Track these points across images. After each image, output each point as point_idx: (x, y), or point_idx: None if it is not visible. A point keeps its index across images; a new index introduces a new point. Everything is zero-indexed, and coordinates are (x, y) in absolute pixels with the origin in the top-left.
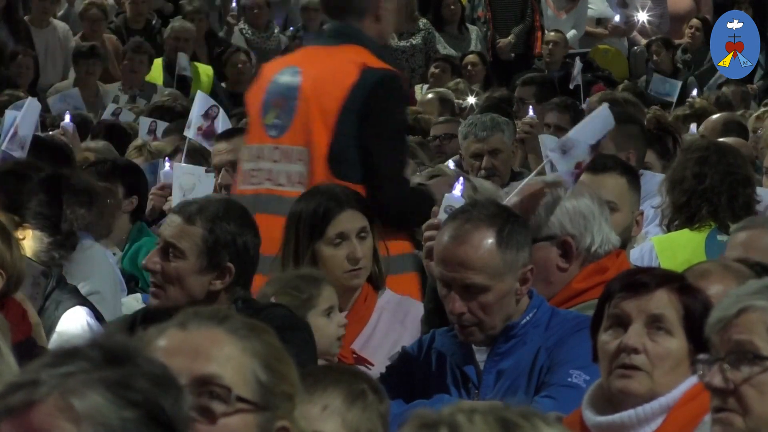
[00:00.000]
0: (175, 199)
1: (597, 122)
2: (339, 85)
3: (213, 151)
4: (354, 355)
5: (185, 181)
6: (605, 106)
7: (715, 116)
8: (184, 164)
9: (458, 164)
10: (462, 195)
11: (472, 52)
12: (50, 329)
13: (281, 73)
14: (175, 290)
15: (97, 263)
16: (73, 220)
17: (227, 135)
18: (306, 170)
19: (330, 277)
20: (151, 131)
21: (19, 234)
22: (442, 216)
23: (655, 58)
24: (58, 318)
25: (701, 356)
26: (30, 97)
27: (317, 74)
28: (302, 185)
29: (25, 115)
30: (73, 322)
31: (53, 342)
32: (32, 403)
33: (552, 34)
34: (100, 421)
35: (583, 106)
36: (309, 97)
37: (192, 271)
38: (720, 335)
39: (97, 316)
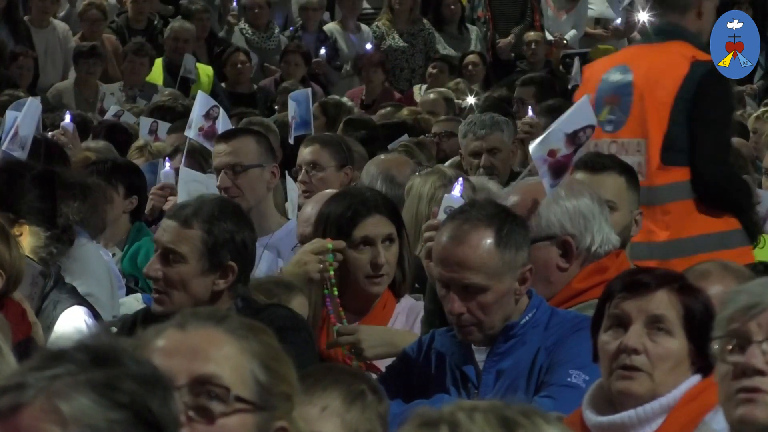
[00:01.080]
0: None
1: (575, 113)
2: (672, 78)
3: (213, 153)
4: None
5: (193, 188)
6: (586, 98)
7: None
8: (192, 170)
9: (458, 166)
10: (461, 195)
11: (472, 52)
12: (48, 329)
13: (610, 72)
14: (179, 295)
15: (90, 263)
16: (69, 213)
17: (227, 136)
18: (644, 160)
19: (352, 280)
20: (152, 131)
21: (16, 231)
22: (442, 216)
23: None
24: (57, 317)
25: (720, 340)
26: (31, 97)
27: (648, 70)
28: (641, 174)
29: (25, 115)
30: (72, 322)
31: (51, 342)
32: (19, 406)
33: (532, 33)
34: (87, 423)
35: None
36: (643, 91)
37: (195, 274)
38: (756, 320)
39: (96, 315)
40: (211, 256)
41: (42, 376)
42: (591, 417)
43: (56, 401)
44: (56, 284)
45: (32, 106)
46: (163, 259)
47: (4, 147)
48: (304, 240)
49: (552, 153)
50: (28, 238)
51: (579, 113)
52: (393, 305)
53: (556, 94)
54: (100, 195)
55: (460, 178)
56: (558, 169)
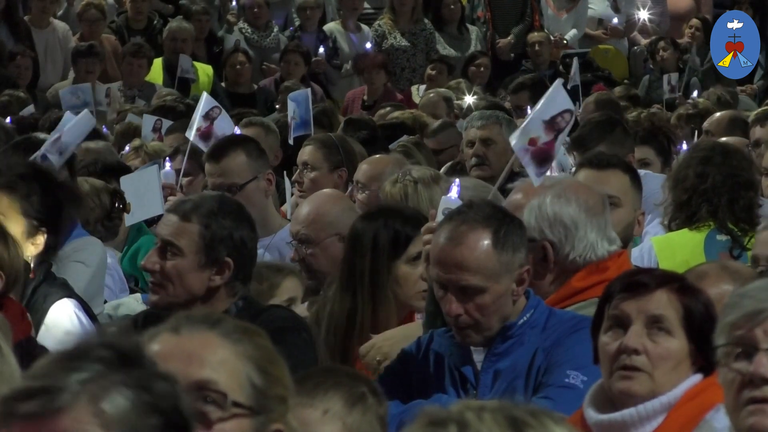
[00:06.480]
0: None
1: (550, 99)
2: None
3: (206, 170)
4: None
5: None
6: (558, 81)
7: (720, 113)
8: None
9: (452, 168)
10: (458, 197)
11: (480, 53)
12: (39, 322)
13: None
14: (175, 288)
15: (89, 248)
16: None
17: (216, 155)
18: None
19: (402, 296)
20: (156, 129)
21: None
22: (440, 218)
23: (658, 58)
24: (46, 311)
25: (724, 346)
26: (86, 110)
27: None
28: None
29: (76, 124)
30: (61, 315)
31: (41, 334)
32: (58, 409)
33: (536, 34)
34: (129, 426)
35: (579, 109)
36: None
37: (191, 268)
38: (762, 326)
39: (88, 312)
40: (207, 251)
41: (75, 378)
42: (592, 415)
43: (99, 404)
44: (46, 278)
45: (85, 118)
46: (161, 252)
47: (43, 149)
48: (297, 238)
49: (533, 141)
50: None
51: (554, 99)
52: (413, 319)
53: None
54: (62, 188)
55: (457, 180)
56: (541, 157)
